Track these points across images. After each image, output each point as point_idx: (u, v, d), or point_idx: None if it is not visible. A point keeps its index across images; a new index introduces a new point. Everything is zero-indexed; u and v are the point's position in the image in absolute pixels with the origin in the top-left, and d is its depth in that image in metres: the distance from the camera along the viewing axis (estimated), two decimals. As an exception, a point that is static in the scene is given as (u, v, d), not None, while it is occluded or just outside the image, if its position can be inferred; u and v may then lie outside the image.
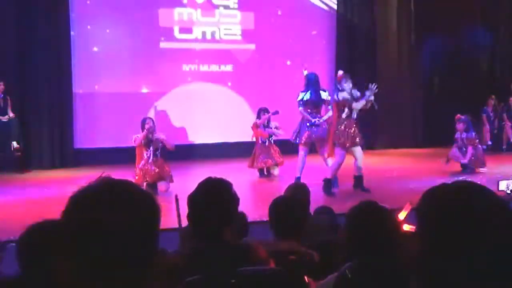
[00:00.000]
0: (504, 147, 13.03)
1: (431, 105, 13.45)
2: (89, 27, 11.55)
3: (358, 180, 8.32)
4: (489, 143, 13.04)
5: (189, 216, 2.63)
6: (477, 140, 10.18)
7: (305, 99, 8.75)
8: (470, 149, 9.96)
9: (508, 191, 6.80)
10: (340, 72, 8.61)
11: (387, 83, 13.66)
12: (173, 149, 8.69)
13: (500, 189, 6.89)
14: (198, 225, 2.57)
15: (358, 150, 8.23)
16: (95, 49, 11.60)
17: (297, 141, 8.84)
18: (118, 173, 1.24)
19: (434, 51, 13.78)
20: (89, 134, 11.62)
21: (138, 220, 1.15)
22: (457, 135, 10.22)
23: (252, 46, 12.76)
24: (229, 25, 12.61)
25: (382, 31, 13.78)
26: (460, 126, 10.12)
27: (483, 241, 1.11)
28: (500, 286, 1.12)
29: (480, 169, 10.01)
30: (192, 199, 2.63)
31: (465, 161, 9.94)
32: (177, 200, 4.26)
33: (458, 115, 10.25)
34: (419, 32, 13.95)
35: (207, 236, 2.53)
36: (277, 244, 3.01)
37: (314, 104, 8.75)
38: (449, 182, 1.24)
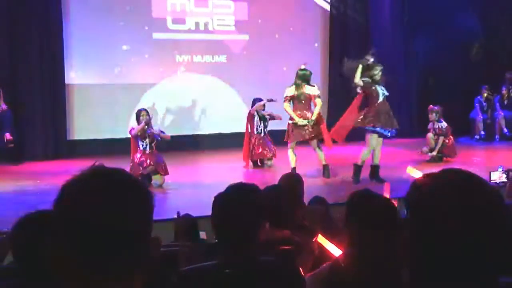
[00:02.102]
0: (497, 137, 13.04)
1: (425, 95, 13.45)
2: (81, 17, 11.49)
3: (375, 170, 8.34)
4: (482, 133, 13.07)
5: (214, 221, 2.37)
6: (448, 130, 10.30)
7: (289, 94, 8.78)
8: (440, 139, 10.12)
9: (497, 181, 6.83)
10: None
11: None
12: (169, 139, 8.73)
13: (492, 179, 6.92)
14: (224, 231, 2.32)
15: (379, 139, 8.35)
16: (88, 40, 11.54)
17: (286, 139, 8.89)
18: (112, 164, 1.23)
19: (428, 42, 13.77)
20: (82, 125, 11.59)
21: (131, 208, 1.15)
22: (430, 125, 10.42)
23: (245, 37, 12.73)
24: (222, 16, 12.56)
25: (375, 21, 13.76)
26: (433, 116, 10.29)
27: (473, 229, 1.11)
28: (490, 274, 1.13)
29: (450, 158, 10.13)
30: (223, 203, 2.35)
31: (433, 153, 10.09)
32: (178, 215, 4.27)
33: (431, 105, 10.39)
34: (412, 23, 13.94)
35: (232, 248, 2.30)
36: (270, 233, 3.01)
37: (299, 99, 8.74)
38: (438, 170, 1.23)
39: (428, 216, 1.14)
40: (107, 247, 1.11)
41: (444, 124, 10.31)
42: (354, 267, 2.30)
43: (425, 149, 10.39)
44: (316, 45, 13.35)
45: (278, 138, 10.20)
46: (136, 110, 8.91)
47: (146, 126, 8.43)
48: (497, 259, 1.12)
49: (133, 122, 8.91)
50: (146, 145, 8.44)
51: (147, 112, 8.60)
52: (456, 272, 1.12)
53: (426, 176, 1.22)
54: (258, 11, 12.70)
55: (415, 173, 3.68)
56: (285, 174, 4.89)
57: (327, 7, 13.33)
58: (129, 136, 8.69)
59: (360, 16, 13.58)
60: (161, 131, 8.66)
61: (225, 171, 9.58)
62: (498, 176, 7.03)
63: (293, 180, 4.72)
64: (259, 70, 12.61)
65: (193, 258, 3.32)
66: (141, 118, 8.46)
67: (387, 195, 3.36)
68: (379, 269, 2.25)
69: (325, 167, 8.74)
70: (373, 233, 2.34)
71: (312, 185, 7.63)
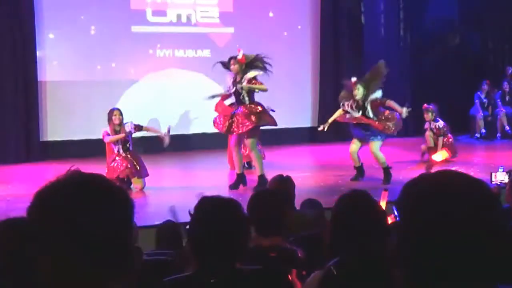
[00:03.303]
0: (499, 135, 13.06)
1: (421, 91, 13.52)
2: (55, 9, 11.41)
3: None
4: (483, 131, 13.10)
5: (191, 247, 2.37)
6: (446, 129, 10.39)
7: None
8: (440, 140, 10.20)
9: (498, 183, 6.87)
10: (353, 79, 8.67)
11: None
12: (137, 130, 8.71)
13: (493, 180, 6.96)
14: (203, 258, 2.29)
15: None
16: (62, 34, 11.48)
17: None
18: (89, 167, 1.24)
19: (424, 35, 13.87)
20: (56, 125, 11.52)
21: (110, 216, 1.15)
22: (426, 125, 10.53)
23: (230, 30, 12.72)
24: (206, 7, 12.55)
25: (369, 15, 13.81)
26: (429, 115, 10.37)
27: (467, 234, 1.13)
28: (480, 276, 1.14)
29: (450, 158, 10.23)
30: (193, 229, 2.34)
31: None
32: (173, 210, 4.27)
33: (425, 104, 10.47)
34: (407, 16, 14.01)
35: (215, 268, 2.27)
36: (258, 240, 3.01)
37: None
38: (430, 172, 1.25)
39: (420, 221, 1.16)
40: (85, 255, 1.12)
41: (441, 123, 10.38)
42: (347, 275, 2.31)
43: (423, 146, 10.48)
44: (305, 37, 13.37)
45: (267, 139, 10.21)
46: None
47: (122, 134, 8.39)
48: (493, 265, 1.13)
49: (104, 123, 8.79)
50: (120, 147, 8.41)
51: (120, 112, 8.55)
52: (450, 279, 1.13)
53: (418, 178, 1.24)
54: (244, 2, 12.70)
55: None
56: (275, 177, 4.86)
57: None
58: (101, 137, 8.65)
59: (352, 8, 13.61)
60: (135, 125, 8.60)
61: (210, 174, 9.58)
62: (499, 177, 7.07)
63: (283, 183, 4.71)
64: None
65: (177, 267, 3.31)
66: (113, 117, 8.42)
67: (383, 203, 3.38)
68: (371, 275, 2.26)
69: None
70: (362, 239, 2.36)
71: (304, 188, 7.65)
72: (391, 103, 8.57)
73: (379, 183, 8.12)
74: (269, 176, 7.22)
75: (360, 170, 8.65)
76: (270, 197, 3.32)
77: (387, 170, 8.48)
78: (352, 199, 2.56)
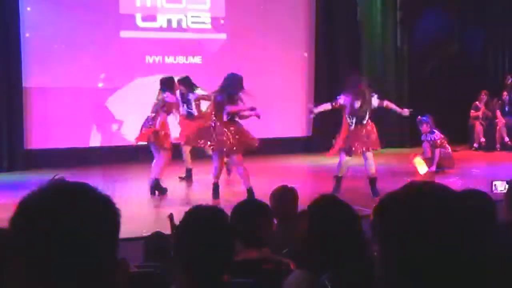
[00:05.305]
0: (498, 146, 13.10)
1: (419, 101, 13.55)
2: (41, 13, 11.42)
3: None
4: (482, 140, 13.13)
5: (175, 255, 2.38)
6: (443, 141, 10.43)
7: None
8: (437, 152, 10.23)
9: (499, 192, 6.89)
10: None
11: (371, 77, 13.77)
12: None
13: (493, 190, 6.98)
14: (190, 271, 2.27)
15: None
16: (48, 39, 11.46)
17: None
18: (75, 176, 1.24)
19: (422, 43, 13.93)
20: (41, 133, 11.49)
21: (96, 226, 1.15)
22: (423, 137, 10.58)
23: (223, 36, 12.74)
24: (197, 12, 12.56)
25: (365, 24, 13.88)
26: (424, 127, 10.42)
27: (433, 243, 1.15)
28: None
29: (448, 170, 10.27)
30: (179, 236, 2.35)
31: (432, 168, 10.22)
32: (171, 219, 4.25)
33: (419, 117, 10.53)
34: (405, 23, 14.09)
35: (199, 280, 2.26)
36: (245, 253, 3.00)
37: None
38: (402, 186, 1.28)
39: (397, 243, 1.18)
40: (69, 268, 1.11)
41: (437, 136, 10.42)
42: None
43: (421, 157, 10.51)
44: (299, 45, 13.41)
45: (261, 148, 10.20)
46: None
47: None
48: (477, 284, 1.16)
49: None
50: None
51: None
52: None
53: (389, 195, 1.26)
54: (237, 8, 12.72)
55: (421, 167, 3.76)
56: (278, 187, 4.81)
57: (313, 1, 13.40)
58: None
59: (348, 16, 13.67)
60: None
61: (200, 186, 9.56)
62: (500, 187, 7.08)
63: (286, 194, 4.71)
64: (238, 72, 12.59)
65: (165, 280, 3.31)
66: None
67: None
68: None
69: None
70: (339, 244, 2.36)
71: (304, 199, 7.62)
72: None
73: (367, 196, 8.14)
74: (265, 185, 7.24)
75: (338, 182, 8.64)
76: (253, 207, 3.34)
77: (373, 181, 8.48)
78: (326, 202, 2.59)
